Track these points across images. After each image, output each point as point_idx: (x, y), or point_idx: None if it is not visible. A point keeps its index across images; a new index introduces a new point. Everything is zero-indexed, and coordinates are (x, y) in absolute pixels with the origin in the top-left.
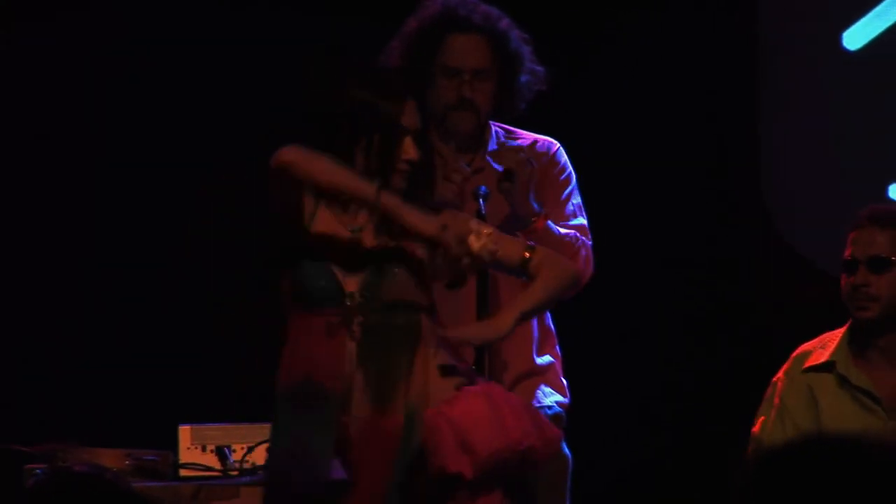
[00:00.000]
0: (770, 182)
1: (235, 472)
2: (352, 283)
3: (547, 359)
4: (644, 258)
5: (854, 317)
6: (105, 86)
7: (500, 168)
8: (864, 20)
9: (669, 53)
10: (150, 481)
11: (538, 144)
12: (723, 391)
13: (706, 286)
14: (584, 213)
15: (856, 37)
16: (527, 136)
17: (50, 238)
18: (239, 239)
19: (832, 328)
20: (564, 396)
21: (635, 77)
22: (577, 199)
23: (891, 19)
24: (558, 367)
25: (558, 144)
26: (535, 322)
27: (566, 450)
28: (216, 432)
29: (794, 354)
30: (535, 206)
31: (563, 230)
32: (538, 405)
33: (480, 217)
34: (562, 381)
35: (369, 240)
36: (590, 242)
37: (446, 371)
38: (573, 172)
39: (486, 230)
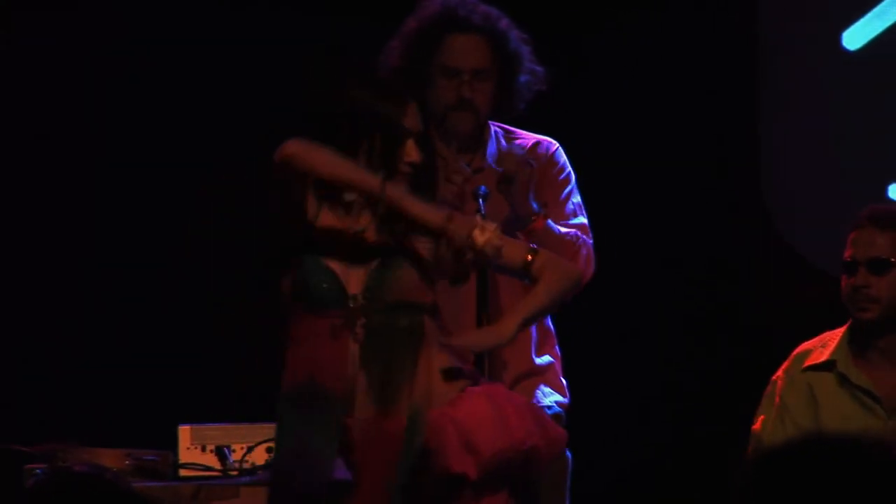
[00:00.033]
0: (770, 182)
1: (235, 472)
2: (354, 284)
3: (546, 359)
4: (644, 258)
5: (854, 318)
6: (105, 86)
7: (500, 170)
8: (863, 20)
9: (669, 53)
10: (150, 481)
11: (537, 144)
12: (723, 391)
13: (706, 286)
14: (584, 213)
15: (856, 37)
16: (526, 136)
17: (50, 238)
18: (239, 239)
19: (832, 328)
20: (564, 396)
21: (635, 77)
22: (576, 199)
23: (891, 19)
24: (558, 367)
25: (557, 144)
26: None
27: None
28: (216, 432)
29: (795, 353)
30: (535, 205)
31: (563, 229)
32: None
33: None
34: (561, 381)
35: (372, 239)
36: (591, 241)
37: (450, 374)
38: (572, 172)
39: (490, 225)
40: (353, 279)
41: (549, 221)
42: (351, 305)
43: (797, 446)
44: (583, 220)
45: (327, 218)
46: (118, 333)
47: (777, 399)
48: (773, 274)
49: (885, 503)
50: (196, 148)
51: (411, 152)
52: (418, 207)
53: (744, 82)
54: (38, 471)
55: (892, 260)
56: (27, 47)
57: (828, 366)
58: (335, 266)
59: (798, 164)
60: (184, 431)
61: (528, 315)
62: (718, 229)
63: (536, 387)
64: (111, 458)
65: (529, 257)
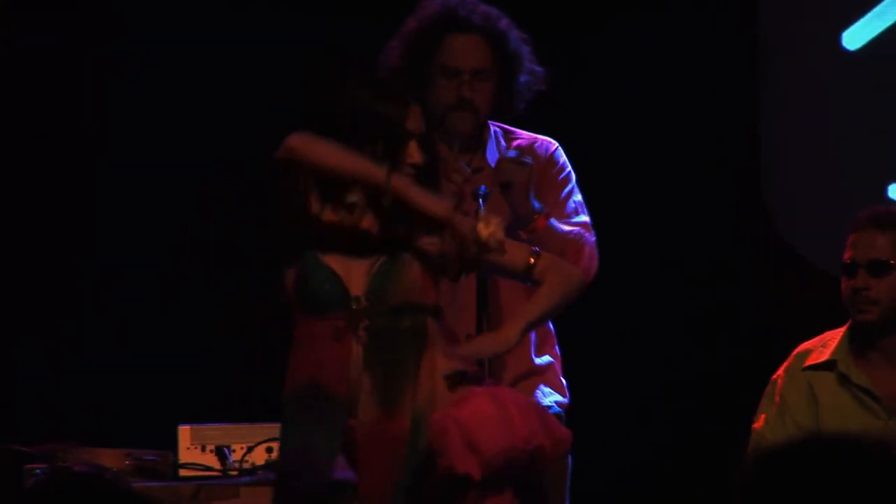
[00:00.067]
0: (770, 182)
1: (235, 472)
2: (356, 285)
3: (546, 359)
4: (644, 258)
5: (854, 320)
6: (105, 86)
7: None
8: (863, 20)
9: (669, 53)
10: (150, 481)
11: (537, 144)
12: (723, 391)
13: (706, 286)
14: (585, 211)
15: (856, 37)
16: (525, 136)
17: (50, 238)
18: (239, 239)
19: (832, 328)
20: (564, 396)
21: (635, 77)
22: (577, 197)
23: (891, 19)
24: (557, 367)
25: (556, 144)
26: None
27: None
28: (216, 432)
29: (795, 352)
30: (536, 204)
31: (566, 227)
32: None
33: None
34: (561, 381)
35: (375, 238)
36: (593, 239)
37: (454, 376)
38: (572, 171)
39: (495, 219)
40: (355, 279)
41: (552, 220)
42: (354, 307)
43: (797, 446)
44: (584, 218)
45: (330, 219)
46: (118, 333)
47: (777, 398)
48: (773, 274)
49: (885, 503)
50: (196, 148)
51: (414, 154)
52: (424, 198)
53: (744, 82)
54: (38, 471)
55: (892, 262)
56: (27, 47)
57: (828, 365)
58: (337, 265)
59: (798, 164)
60: (184, 431)
61: (531, 319)
62: (718, 229)
63: (536, 387)
64: (111, 458)
65: (532, 260)
